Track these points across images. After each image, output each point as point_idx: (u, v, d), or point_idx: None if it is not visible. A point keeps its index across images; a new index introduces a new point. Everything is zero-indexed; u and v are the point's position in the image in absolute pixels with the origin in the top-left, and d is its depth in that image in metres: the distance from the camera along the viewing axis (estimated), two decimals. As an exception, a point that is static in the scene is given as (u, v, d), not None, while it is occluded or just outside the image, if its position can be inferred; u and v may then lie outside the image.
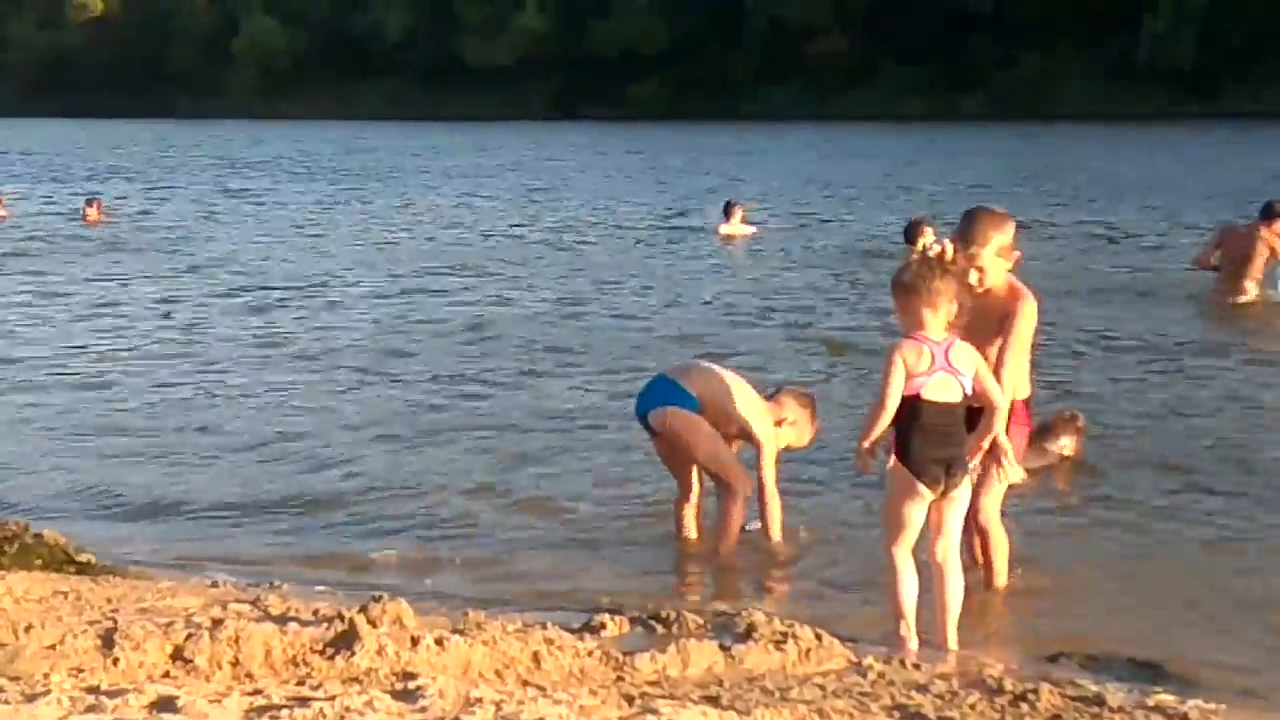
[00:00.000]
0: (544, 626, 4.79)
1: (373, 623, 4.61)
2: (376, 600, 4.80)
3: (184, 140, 59.07)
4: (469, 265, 18.40)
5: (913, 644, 5.24)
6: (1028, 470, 7.41)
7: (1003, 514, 6.03)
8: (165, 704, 3.88)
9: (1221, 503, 7.53)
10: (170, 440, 9.15)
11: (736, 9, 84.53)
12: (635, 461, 8.12)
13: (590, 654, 4.58)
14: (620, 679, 4.46)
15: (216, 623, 4.60)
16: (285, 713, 3.82)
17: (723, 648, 4.69)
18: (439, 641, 4.50)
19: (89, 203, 25.09)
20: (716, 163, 41.65)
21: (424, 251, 20.28)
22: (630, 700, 4.16)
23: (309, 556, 6.84)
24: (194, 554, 6.85)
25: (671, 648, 4.62)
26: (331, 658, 4.41)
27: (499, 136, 60.38)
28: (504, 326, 13.45)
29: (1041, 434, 8.20)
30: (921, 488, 5.18)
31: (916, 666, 4.69)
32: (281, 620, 4.74)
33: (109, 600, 5.27)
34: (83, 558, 6.16)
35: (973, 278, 5.77)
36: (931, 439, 5.14)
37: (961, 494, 5.29)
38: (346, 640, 4.47)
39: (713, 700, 4.22)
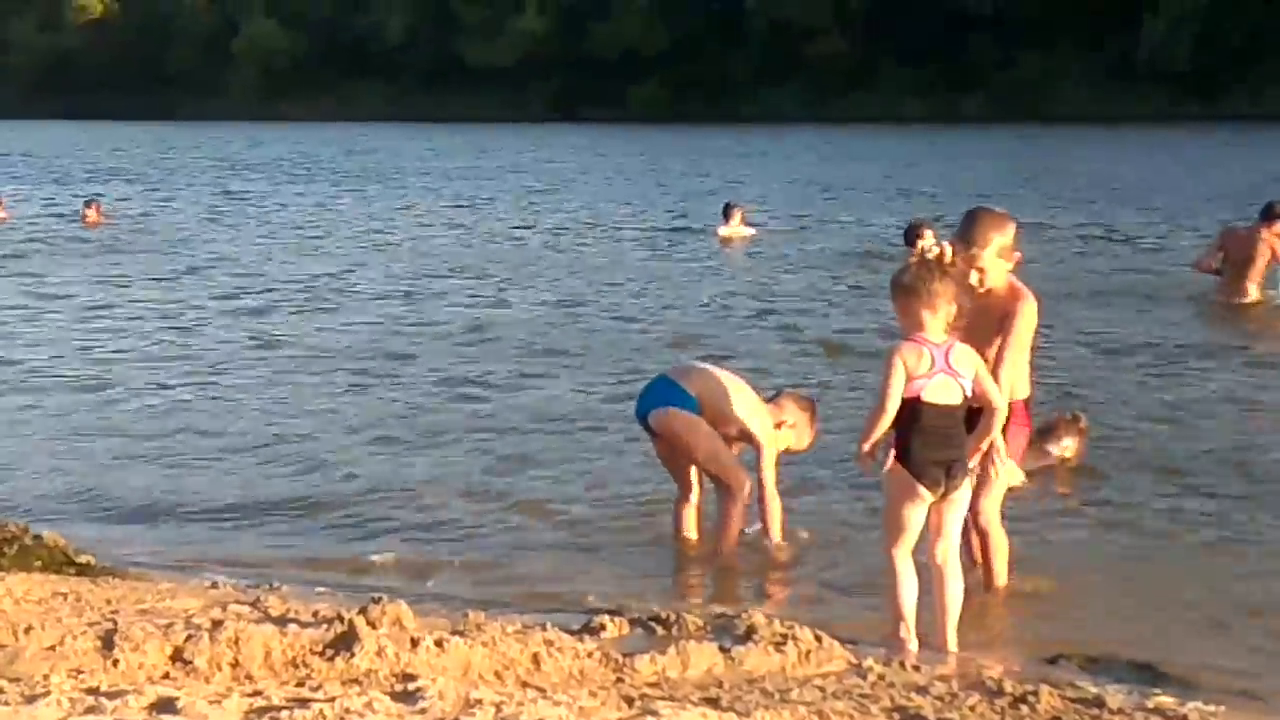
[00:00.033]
0: (544, 628, 4.79)
1: (372, 624, 4.60)
2: (376, 602, 4.80)
3: (184, 142, 59.07)
4: (469, 267, 18.41)
5: (913, 646, 5.24)
6: (1029, 471, 7.43)
7: (1003, 516, 6.02)
8: (165, 705, 3.88)
9: (1221, 505, 7.53)
10: (170, 442, 9.15)
11: (736, 10, 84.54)
12: (635, 463, 8.13)
13: (590, 655, 4.57)
14: (620, 680, 4.45)
15: (216, 624, 4.60)
16: (285, 714, 3.81)
17: (722, 649, 4.69)
18: (439, 643, 4.50)
19: (88, 204, 25.08)
20: (716, 164, 41.65)
21: (424, 253, 20.28)
22: (630, 702, 4.16)
23: (308, 558, 6.84)
24: (194, 555, 6.85)
25: (671, 649, 4.62)
26: (331, 659, 4.41)
27: (499, 138, 60.39)
28: (503, 328, 13.45)
29: (1043, 435, 8.19)
30: (922, 490, 5.18)
31: (916, 668, 4.69)
32: (281, 622, 4.74)
33: (109, 602, 5.27)
34: (82, 559, 6.16)
35: (973, 278, 5.78)
36: (931, 441, 5.14)
37: (961, 496, 5.29)
38: (346, 642, 4.47)
39: (712, 702, 4.22)
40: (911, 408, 5.12)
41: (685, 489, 6.94)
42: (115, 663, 4.34)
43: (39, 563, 6.04)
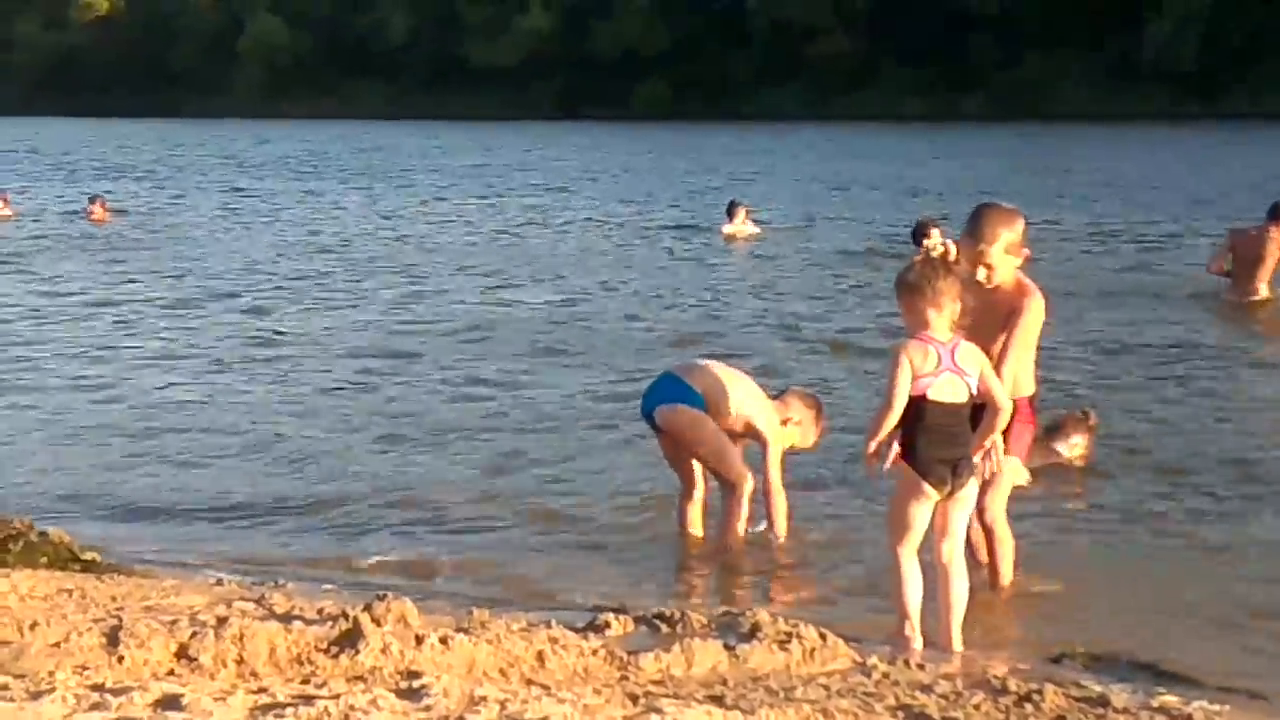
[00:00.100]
0: (548, 625, 4.79)
1: (377, 621, 4.60)
2: (381, 599, 4.80)
3: (189, 139, 59.09)
4: (475, 264, 18.42)
5: (917, 644, 5.24)
6: (1035, 469, 7.42)
7: (1008, 515, 6.02)
8: (170, 702, 3.88)
9: (1227, 506, 7.52)
10: (174, 440, 9.15)
11: (739, 10, 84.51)
12: (639, 461, 8.12)
13: (594, 653, 4.57)
14: (624, 678, 4.45)
15: (221, 621, 4.60)
16: (290, 711, 3.81)
17: (727, 647, 4.69)
18: (443, 640, 4.50)
19: (93, 201, 25.11)
20: (720, 163, 41.64)
21: (430, 250, 20.29)
22: (634, 699, 4.16)
23: (313, 557, 6.85)
24: (198, 553, 6.86)
25: (676, 647, 4.62)
26: (336, 656, 4.41)
27: (505, 136, 60.40)
28: (508, 326, 13.46)
29: (1052, 433, 8.17)
30: (927, 488, 5.18)
31: (921, 667, 4.69)
32: (286, 619, 4.74)
33: (114, 598, 5.28)
34: (87, 556, 6.17)
35: (981, 275, 5.77)
36: (937, 439, 5.14)
37: (967, 494, 5.29)
38: (351, 639, 4.47)
39: (717, 700, 4.22)
40: (917, 406, 5.12)
41: (690, 486, 6.95)
42: (120, 659, 4.34)
43: (44, 559, 6.04)
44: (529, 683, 4.34)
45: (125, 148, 52.76)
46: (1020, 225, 5.91)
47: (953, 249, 5.32)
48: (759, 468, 6.82)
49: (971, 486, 5.30)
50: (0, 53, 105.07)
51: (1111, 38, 73.90)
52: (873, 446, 5.19)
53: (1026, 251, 5.93)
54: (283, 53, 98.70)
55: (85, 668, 4.25)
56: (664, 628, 4.99)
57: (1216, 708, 4.46)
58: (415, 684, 4.10)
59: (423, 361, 11.78)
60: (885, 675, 4.57)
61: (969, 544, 5.61)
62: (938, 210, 20.87)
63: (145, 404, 10.23)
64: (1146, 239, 21.12)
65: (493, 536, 7.18)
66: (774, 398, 7.06)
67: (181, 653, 4.39)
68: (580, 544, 7.05)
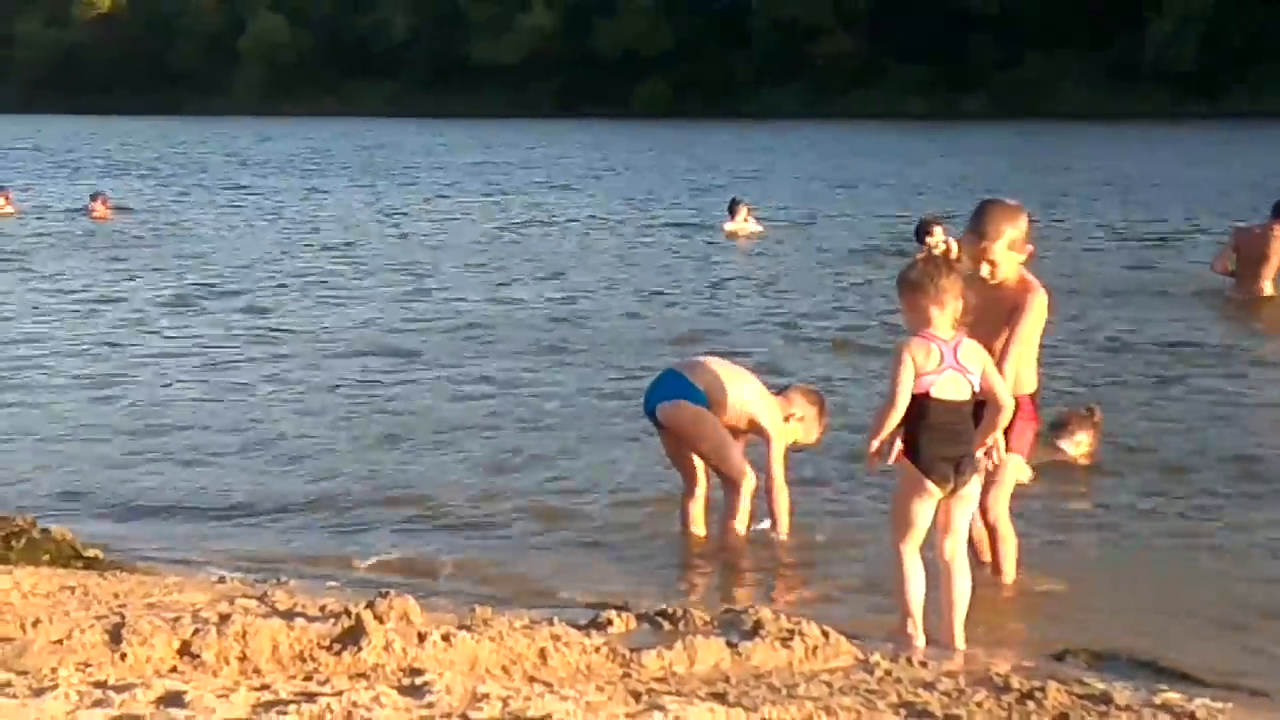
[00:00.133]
0: (551, 623, 4.79)
1: (380, 619, 4.61)
2: (383, 596, 4.80)
3: (191, 137, 59.09)
4: (475, 263, 18.41)
5: (920, 642, 5.24)
6: (1038, 466, 7.41)
7: (1011, 513, 6.01)
8: (172, 699, 3.88)
9: (1230, 505, 7.50)
10: (175, 438, 9.15)
11: (741, 9, 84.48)
12: (642, 459, 8.13)
13: (597, 650, 4.57)
14: (627, 675, 4.45)
15: (224, 618, 4.60)
16: (292, 708, 3.81)
17: (729, 645, 4.69)
18: (446, 637, 4.50)
19: (94, 198, 25.12)
20: (721, 160, 41.64)
21: (432, 248, 20.29)
22: (637, 696, 4.16)
23: (315, 555, 6.85)
24: (200, 551, 6.85)
25: (678, 644, 4.62)
26: (338, 653, 4.41)
27: (507, 134, 60.38)
28: (509, 325, 13.45)
29: (1057, 430, 8.16)
30: (930, 486, 5.17)
31: (923, 664, 4.69)
32: (288, 616, 4.75)
33: (116, 595, 5.28)
34: (90, 553, 6.17)
35: (985, 271, 5.77)
36: (940, 437, 5.14)
37: (970, 492, 5.29)
38: (353, 636, 4.47)
39: (719, 697, 4.22)
40: (920, 404, 5.12)
41: (692, 484, 6.95)
42: (123, 656, 4.34)
43: (47, 556, 6.05)
44: (531, 680, 4.34)
45: (127, 145, 52.77)
46: (1024, 221, 5.90)
47: (954, 247, 5.31)
48: (761, 465, 6.82)
49: (974, 484, 5.30)
50: (1, 50, 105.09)
51: (1112, 38, 73.90)
52: (875, 444, 5.18)
53: (1030, 248, 5.92)
54: (284, 51, 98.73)
55: (88, 665, 4.25)
56: (666, 625, 5.00)
57: (1219, 705, 4.45)
58: (418, 681, 4.10)
59: (425, 359, 11.78)
60: (888, 673, 4.57)
61: (970, 542, 5.61)
62: (942, 208, 20.88)
63: (147, 401, 10.23)
64: (1148, 237, 21.11)
65: (495, 534, 7.18)
66: (777, 394, 7.06)
67: (184, 650, 4.39)
68: (582, 542, 7.04)
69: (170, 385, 10.80)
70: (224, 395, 10.42)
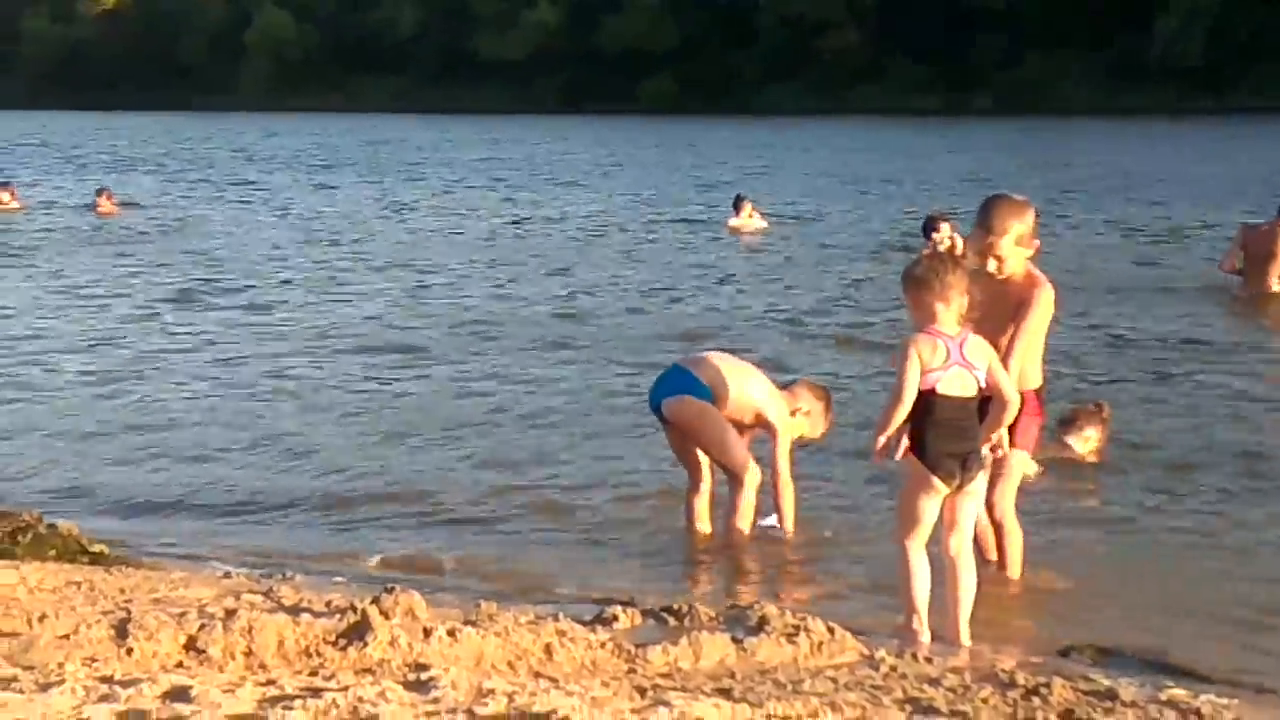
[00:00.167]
0: (556, 618, 4.79)
1: (385, 614, 4.61)
2: (389, 591, 4.80)
3: (197, 133, 59.12)
4: (481, 259, 18.42)
5: (925, 638, 5.24)
6: (1045, 461, 7.41)
7: (1017, 509, 6.01)
8: (178, 694, 3.88)
9: (1235, 502, 7.50)
10: (181, 434, 9.17)
11: (747, 4, 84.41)
12: (646, 455, 8.13)
13: (602, 646, 4.57)
14: (632, 671, 4.45)
15: (230, 613, 4.60)
16: (298, 703, 3.81)
17: (735, 640, 4.69)
18: (451, 633, 4.50)
19: (100, 193, 25.14)
20: (726, 157, 41.62)
21: (436, 245, 20.30)
22: (642, 692, 4.16)
23: (321, 550, 6.85)
24: (206, 546, 6.86)
25: (683, 640, 4.62)
26: (344, 648, 4.41)
27: (511, 130, 60.36)
28: (514, 321, 13.46)
29: (1066, 426, 8.15)
30: (936, 482, 5.17)
31: (929, 660, 4.69)
32: (294, 611, 4.75)
33: (122, 590, 5.29)
34: (96, 548, 6.18)
35: (991, 266, 5.76)
36: (946, 433, 5.13)
37: (976, 488, 5.29)
38: (359, 631, 4.48)
39: (725, 692, 4.22)
40: (926, 400, 5.11)
41: (697, 480, 6.95)
42: (129, 651, 4.34)
43: (53, 552, 6.06)
44: (537, 675, 4.34)
45: (133, 141, 52.79)
46: (1031, 217, 5.89)
47: (960, 243, 5.31)
48: (767, 461, 6.82)
49: (980, 480, 5.30)
50: (7, 46, 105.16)
51: (1118, 34, 73.81)
52: (881, 440, 5.18)
53: (1037, 243, 5.92)
54: (290, 46, 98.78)
55: (94, 660, 4.26)
56: (672, 621, 5.00)
57: (1224, 702, 4.45)
58: (423, 676, 4.10)
59: (430, 355, 11.79)
60: (893, 668, 4.57)
61: (975, 538, 5.60)
62: (947, 204, 20.85)
63: (153, 397, 10.24)
64: (1155, 233, 21.09)
65: (500, 530, 7.19)
66: (783, 388, 7.07)
67: (190, 645, 4.39)
68: (587, 537, 7.05)
69: (176, 381, 10.81)
70: (229, 391, 10.43)
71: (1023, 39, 76.20)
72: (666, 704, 3.99)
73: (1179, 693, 4.49)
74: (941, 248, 13.85)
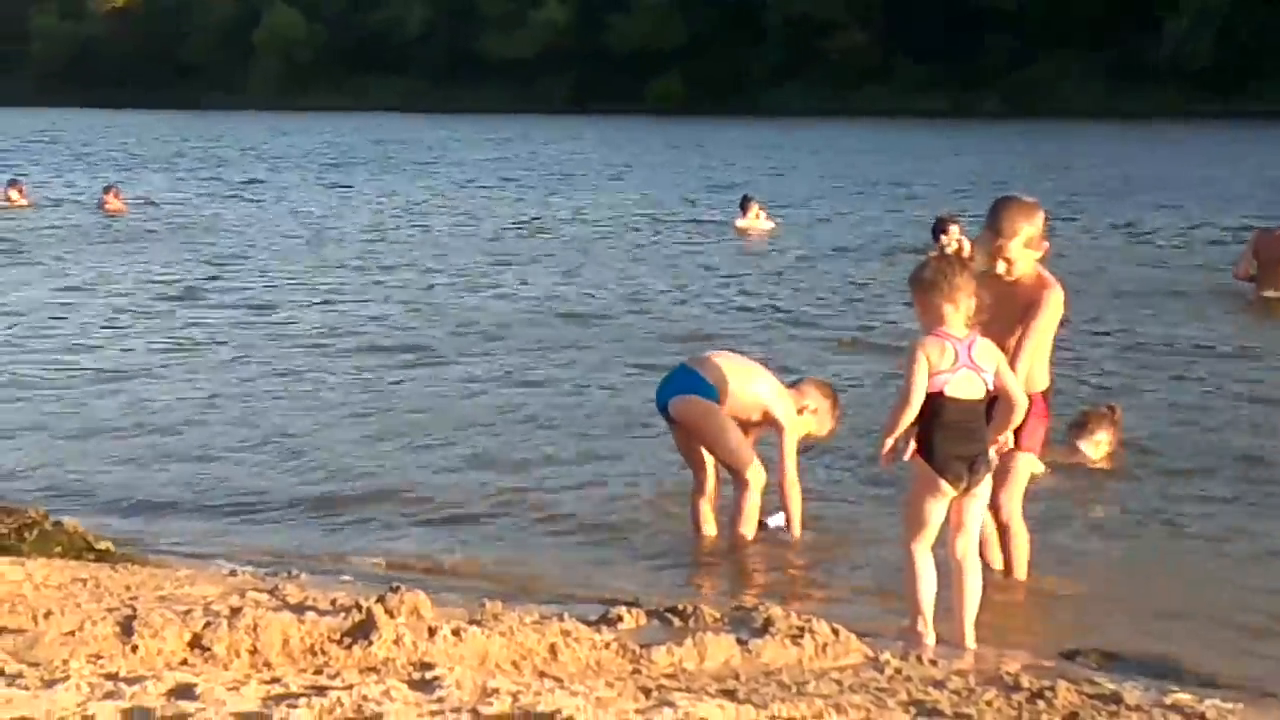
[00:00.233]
0: (561, 618, 4.79)
1: (390, 613, 4.61)
2: (394, 591, 4.80)
3: (206, 131, 59.20)
4: (488, 259, 18.42)
5: (930, 640, 5.23)
6: (1053, 464, 7.40)
7: (1023, 512, 6.00)
8: (183, 691, 3.88)
9: (1243, 507, 7.48)
10: (188, 433, 9.16)
11: (755, 4, 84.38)
12: (651, 455, 8.13)
13: (607, 646, 4.58)
14: (637, 671, 4.46)
15: (235, 611, 4.61)
16: (302, 701, 3.82)
17: (739, 641, 4.69)
18: (456, 632, 4.50)
19: (107, 190, 25.16)
20: (734, 157, 41.61)
21: (443, 244, 20.30)
22: (647, 692, 4.16)
23: (326, 549, 6.85)
24: (212, 545, 6.87)
25: (688, 641, 4.62)
26: (349, 647, 4.42)
27: (519, 130, 60.38)
28: (521, 321, 13.46)
29: (1077, 429, 8.13)
30: (944, 485, 5.16)
31: (934, 663, 4.69)
32: (299, 609, 4.75)
33: (128, 588, 5.29)
34: (102, 545, 6.18)
35: (1000, 268, 5.76)
36: (954, 436, 5.13)
37: (982, 491, 5.28)
38: (364, 630, 4.48)
39: (729, 694, 4.21)
40: (934, 403, 5.11)
41: (703, 480, 6.94)
42: (134, 648, 4.35)
43: (59, 549, 6.06)
44: (541, 675, 4.35)
45: (142, 139, 52.85)
46: (1040, 219, 5.88)
47: (968, 245, 5.30)
48: (772, 463, 6.81)
49: (987, 483, 5.29)
50: (17, 43, 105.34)
51: (1126, 36, 73.75)
52: (889, 443, 5.18)
53: (1046, 245, 5.91)
54: (299, 46, 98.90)
55: (99, 657, 4.26)
56: (676, 621, 5.00)
57: (1229, 706, 4.44)
58: (428, 675, 4.10)
59: (437, 355, 11.79)
60: (898, 671, 4.57)
61: (981, 541, 5.59)
62: (956, 205, 20.84)
63: (159, 396, 10.24)
64: (1165, 235, 21.06)
65: (506, 530, 7.18)
66: (790, 386, 7.06)
67: (195, 642, 4.40)
68: (593, 538, 7.04)
69: (182, 380, 10.81)
70: (236, 389, 10.43)
71: (1031, 40, 76.11)
72: (671, 705, 3.99)
73: (1184, 697, 4.48)
74: (950, 250, 13.86)
